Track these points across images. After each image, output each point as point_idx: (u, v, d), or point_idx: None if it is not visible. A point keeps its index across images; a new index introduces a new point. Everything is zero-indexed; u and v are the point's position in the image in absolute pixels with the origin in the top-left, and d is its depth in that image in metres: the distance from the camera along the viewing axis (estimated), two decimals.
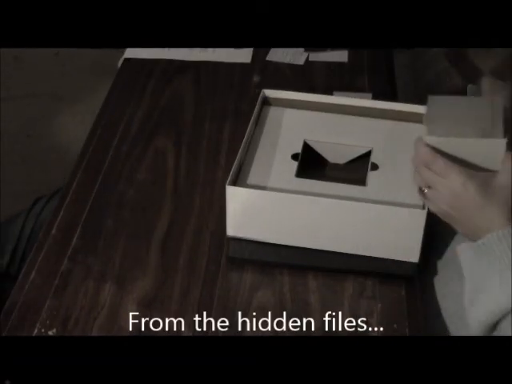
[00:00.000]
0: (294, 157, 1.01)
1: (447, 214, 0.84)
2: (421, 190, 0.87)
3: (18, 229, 1.20)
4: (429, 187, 0.86)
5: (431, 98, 0.92)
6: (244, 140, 1.00)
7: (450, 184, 0.82)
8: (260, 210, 0.94)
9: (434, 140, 0.87)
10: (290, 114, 1.09)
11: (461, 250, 0.82)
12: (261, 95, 1.09)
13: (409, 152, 1.02)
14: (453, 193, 0.82)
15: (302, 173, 0.99)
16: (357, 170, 1.02)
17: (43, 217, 1.19)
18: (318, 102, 1.09)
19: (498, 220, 0.79)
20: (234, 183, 0.96)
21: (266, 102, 1.11)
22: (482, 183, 0.81)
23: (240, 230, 0.96)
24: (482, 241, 0.79)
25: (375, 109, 1.08)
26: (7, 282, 0.96)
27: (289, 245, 0.96)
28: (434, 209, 0.86)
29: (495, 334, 0.77)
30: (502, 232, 0.78)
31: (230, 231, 0.97)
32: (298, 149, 1.02)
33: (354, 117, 1.09)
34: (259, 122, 1.07)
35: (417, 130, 1.06)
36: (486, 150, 0.85)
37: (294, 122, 1.08)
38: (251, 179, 0.98)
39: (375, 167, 0.99)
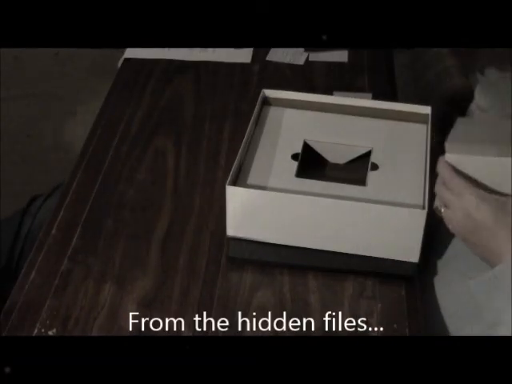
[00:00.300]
0: (294, 157, 1.01)
1: (462, 235, 0.84)
2: (438, 210, 0.86)
3: (14, 227, 1.20)
4: (445, 206, 0.85)
5: (459, 120, 0.91)
6: (244, 140, 1.00)
7: (464, 204, 0.81)
8: (260, 210, 0.94)
9: (453, 158, 0.85)
10: (289, 113, 1.09)
11: (474, 285, 0.81)
12: (261, 95, 1.09)
13: (409, 152, 1.02)
14: (466, 214, 0.81)
15: (301, 173, 0.99)
16: (357, 170, 1.02)
17: (41, 215, 1.19)
18: (317, 102, 1.09)
19: (510, 245, 0.77)
20: (234, 183, 0.96)
21: (266, 101, 1.11)
22: (496, 206, 0.80)
23: (240, 230, 0.96)
24: (493, 273, 0.77)
25: (375, 109, 1.08)
26: (5, 281, 0.96)
27: (289, 245, 0.96)
28: (451, 229, 0.85)
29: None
30: None
31: (230, 231, 0.97)
32: (298, 149, 1.02)
33: (353, 117, 1.09)
34: (259, 121, 1.07)
35: (417, 130, 1.06)
36: (506, 169, 0.83)
37: (293, 121, 1.08)
38: (251, 179, 0.98)
39: (375, 167, 1.00)
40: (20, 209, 1.23)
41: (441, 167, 0.86)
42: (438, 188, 0.86)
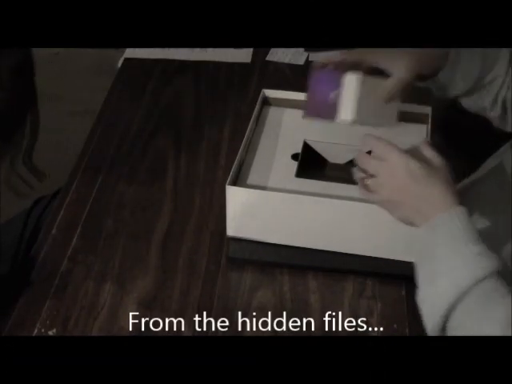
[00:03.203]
0: (294, 157, 1.01)
1: (391, 199, 0.82)
2: (363, 184, 0.85)
3: (18, 231, 1.20)
4: (372, 176, 0.84)
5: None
6: (244, 140, 1.00)
7: (393, 165, 0.81)
8: (260, 210, 0.94)
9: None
10: (289, 113, 1.09)
11: (418, 234, 0.80)
12: (261, 95, 1.09)
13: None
14: (396, 174, 0.81)
15: (301, 173, 0.99)
16: None
17: (44, 218, 1.19)
18: None
19: (445, 197, 0.79)
20: (234, 183, 0.96)
21: (266, 101, 1.11)
22: (425, 161, 0.81)
23: (240, 230, 0.96)
24: (436, 220, 0.77)
25: None
26: (11, 285, 0.96)
27: (289, 245, 0.96)
28: (376, 198, 0.84)
29: (452, 319, 0.76)
30: (455, 210, 0.77)
31: (230, 231, 0.97)
32: (298, 149, 1.02)
33: None
34: (259, 122, 1.07)
35: (417, 130, 1.06)
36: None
37: (294, 122, 1.08)
38: (251, 179, 0.98)
39: None
40: (23, 211, 1.23)
41: (364, 140, 0.86)
42: (361, 160, 0.85)
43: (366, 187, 0.84)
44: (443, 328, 0.76)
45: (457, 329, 0.75)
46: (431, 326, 0.77)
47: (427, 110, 1.06)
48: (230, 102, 1.29)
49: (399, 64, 0.91)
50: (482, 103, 0.98)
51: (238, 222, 0.96)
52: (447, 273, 0.75)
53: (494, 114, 0.99)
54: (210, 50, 1.43)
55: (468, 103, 0.99)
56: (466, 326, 0.74)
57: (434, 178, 0.80)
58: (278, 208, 0.93)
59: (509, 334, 0.72)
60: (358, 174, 0.86)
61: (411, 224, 0.81)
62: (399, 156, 0.81)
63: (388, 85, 0.91)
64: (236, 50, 1.43)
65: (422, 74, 0.93)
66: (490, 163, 1.00)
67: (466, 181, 1.01)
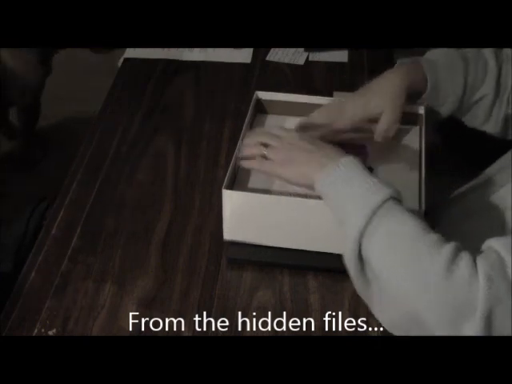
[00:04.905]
0: None
1: (284, 158, 0.88)
2: (259, 157, 0.91)
3: (20, 231, 1.20)
4: (265, 146, 0.90)
5: None
6: (238, 144, 0.99)
7: (287, 139, 0.90)
8: (257, 213, 0.93)
9: None
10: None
11: (320, 186, 0.85)
12: (254, 97, 1.08)
13: (403, 153, 1.02)
14: (287, 139, 0.90)
15: None
16: None
17: (45, 219, 1.19)
18: (312, 104, 1.08)
19: (334, 150, 0.87)
20: (231, 187, 0.95)
21: (260, 105, 1.10)
22: (311, 137, 0.91)
23: (237, 234, 0.96)
24: (333, 165, 0.83)
25: None
26: (12, 285, 0.96)
27: (287, 247, 0.95)
28: (270, 164, 0.89)
29: (364, 244, 0.79)
30: (347, 156, 0.84)
31: (227, 235, 0.96)
32: None
33: None
34: (254, 126, 1.07)
35: (411, 130, 1.05)
36: None
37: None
38: (250, 183, 0.98)
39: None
40: (25, 211, 1.24)
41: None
42: (259, 136, 0.93)
43: (261, 156, 0.90)
44: (359, 256, 0.79)
45: (369, 250, 0.78)
46: (348, 257, 0.80)
47: (421, 110, 1.05)
48: (230, 101, 1.29)
49: (385, 104, 0.97)
50: (475, 120, 1.02)
51: (234, 225, 0.95)
52: (352, 205, 0.80)
53: (490, 130, 1.01)
54: (210, 49, 1.43)
55: (464, 119, 1.03)
56: (376, 247, 0.78)
57: (316, 140, 0.90)
58: (275, 211, 0.93)
59: (418, 249, 0.75)
60: (248, 151, 0.93)
61: (306, 179, 0.86)
62: (287, 129, 0.92)
63: (381, 126, 0.97)
64: (236, 50, 1.43)
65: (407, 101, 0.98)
66: (492, 169, 0.99)
67: (467, 186, 1.01)
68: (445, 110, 1.01)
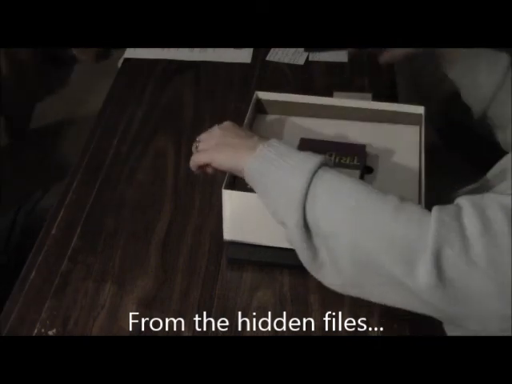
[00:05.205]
0: None
1: (217, 143, 0.90)
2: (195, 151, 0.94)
3: (9, 220, 1.20)
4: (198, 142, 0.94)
5: None
6: None
7: (213, 128, 0.94)
8: (257, 213, 0.93)
9: None
10: (286, 121, 1.09)
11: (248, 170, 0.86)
12: (254, 97, 1.08)
13: (403, 154, 1.02)
14: (217, 129, 0.93)
15: None
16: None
17: (36, 212, 1.19)
18: (312, 104, 1.08)
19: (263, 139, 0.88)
20: (231, 187, 0.95)
21: (260, 105, 1.10)
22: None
23: (237, 234, 0.96)
24: (264, 145, 0.85)
25: (368, 110, 1.07)
26: (4, 277, 0.96)
27: (287, 248, 0.95)
28: (204, 153, 0.91)
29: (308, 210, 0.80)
30: (273, 139, 0.86)
31: (227, 235, 0.96)
32: None
33: (348, 121, 1.08)
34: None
35: (411, 130, 1.05)
36: None
37: (288, 126, 1.07)
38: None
39: (370, 170, 0.99)
40: (15, 205, 1.24)
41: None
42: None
43: (195, 153, 0.93)
44: (305, 224, 0.79)
45: (316, 210, 0.79)
46: (293, 229, 0.80)
47: (420, 110, 1.05)
48: (230, 102, 1.29)
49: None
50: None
51: (234, 225, 0.95)
52: (289, 174, 0.81)
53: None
54: (210, 49, 1.43)
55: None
56: (322, 204, 0.79)
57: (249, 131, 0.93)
58: None
59: (364, 200, 0.77)
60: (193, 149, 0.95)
61: (237, 163, 0.87)
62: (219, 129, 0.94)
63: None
64: (236, 50, 1.43)
65: None
66: (493, 172, 0.99)
67: (468, 188, 1.01)
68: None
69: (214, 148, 0.90)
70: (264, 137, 0.88)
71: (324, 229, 0.79)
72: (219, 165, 0.90)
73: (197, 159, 0.92)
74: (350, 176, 0.81)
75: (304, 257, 0.82)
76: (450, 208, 0.75)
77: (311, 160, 0.81)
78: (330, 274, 0.82)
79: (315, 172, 0.80)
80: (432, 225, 0.72)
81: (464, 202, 0.75)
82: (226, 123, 0.94)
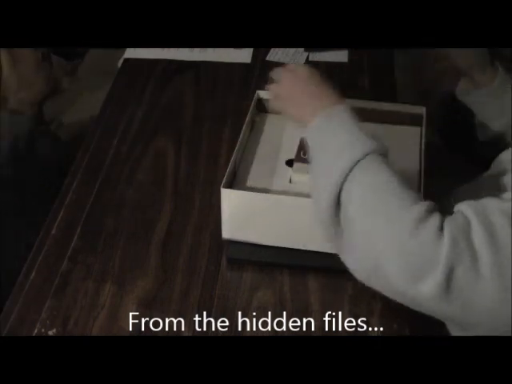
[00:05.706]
0: (289, 163, 1.01)
1: (289, 96, 0.92)
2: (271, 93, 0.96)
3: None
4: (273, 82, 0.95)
5: None
6: (238, 143, 0.99)
7: (294, 69, 0.94)
8: (255, 212, 0.93)
9: None
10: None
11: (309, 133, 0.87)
12: (255, 97, 1.08)
13: (404, 154, 1.02)
14: (296, 76, 0.93)
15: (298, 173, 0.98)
16: None
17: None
18: None
19: (332, 95, 0.89)
20: (230, 186, 0.95)
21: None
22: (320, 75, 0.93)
23: (235, 233, 0.96)
24: (326, 112, 0.85)
25: (369, 109, 1.07)
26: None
27: (286, 247, 0.95)
28: (278, 102, 0.93)
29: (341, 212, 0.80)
30: (341, 105, 0.86)
31: (226, 234, 0.96)
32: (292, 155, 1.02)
33: None
34: (255, 126, 1.07)
35: (411, 130, 1.05)
36: None
37: (288, 126, 1.07)
38: (248, 182, 0.98)
39: None
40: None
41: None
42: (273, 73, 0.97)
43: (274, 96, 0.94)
44: (337, 200, 0.79)
45: (350, 193, 0.79)
46: (326, 200, 0.80)
47: (421, 110, 1.05)
48: (230, 102, 1.29)
49: None
50: None
51: (233, 224, 0.95)
52: (342, 149, 0.81)
53: None
54: (210, 50, 1.43)
55: None
56: (357, 190, 0.79)
57: (323, 81, 0.91)
58: (274, 210, 0.93)
59: (390, 203, 0.77)
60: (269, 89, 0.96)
61: (301, 121, 0.88)
62: (300, 65, 0.99)
63: None
64: (236, 50, 1.43)
65: None
66: (492, 170, 0.99)
67: (467, 186, 1.01)
68: None
69: (285, 99, 0.93)
70: (331, 94, 0.89)
71: (351, 215, 0.78)
72: (291, 116, 0.92)
73: (272, 105, 0.98)
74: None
75: (330, 227, 0.82)
76: (459, 221, 0.74)
77: (367, 143, 0.81)
78: (346, 254, 0.82)
79: (366, 155, 0.80)
80: (445, 246, 0.72)
81: (470, 214, 0.75)
82: (303, 70, 0.93)
